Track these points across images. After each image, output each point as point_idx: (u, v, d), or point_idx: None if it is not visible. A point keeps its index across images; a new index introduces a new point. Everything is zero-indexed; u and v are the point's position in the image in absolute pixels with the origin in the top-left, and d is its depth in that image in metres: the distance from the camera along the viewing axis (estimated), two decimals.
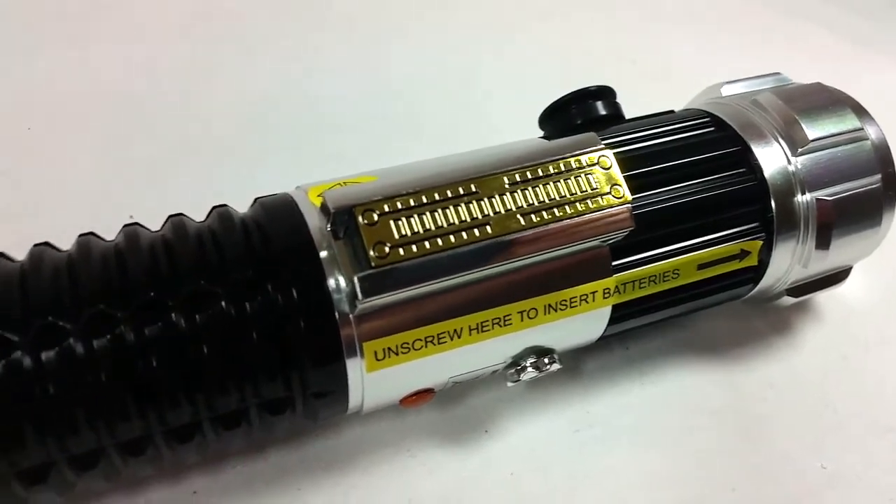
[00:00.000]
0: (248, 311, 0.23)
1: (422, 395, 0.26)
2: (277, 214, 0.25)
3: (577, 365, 0.31)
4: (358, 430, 0.29)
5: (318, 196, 0.25)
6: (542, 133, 0.30)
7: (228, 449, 0.25)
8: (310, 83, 0.45)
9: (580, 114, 0.29)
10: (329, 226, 0.23)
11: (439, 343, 0.25)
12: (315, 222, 0.24)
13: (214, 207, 0.26)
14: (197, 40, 0.48)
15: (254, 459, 0.28)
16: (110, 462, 0.23)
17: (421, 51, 0.49)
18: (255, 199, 0.26)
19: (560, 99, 0.30)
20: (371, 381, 0.24)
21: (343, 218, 0.23)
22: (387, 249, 0.22)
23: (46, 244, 0.24)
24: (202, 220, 0.25)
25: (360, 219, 0.22)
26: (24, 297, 0.22)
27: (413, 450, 0.28)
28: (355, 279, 0.22)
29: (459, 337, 0.25)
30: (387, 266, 0.22)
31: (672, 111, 0.32)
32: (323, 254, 0.24)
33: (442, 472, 0.28)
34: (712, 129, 0.30)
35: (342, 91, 0.45)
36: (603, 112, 0.30)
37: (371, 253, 0.22)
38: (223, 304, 0.23)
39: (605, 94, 0.30)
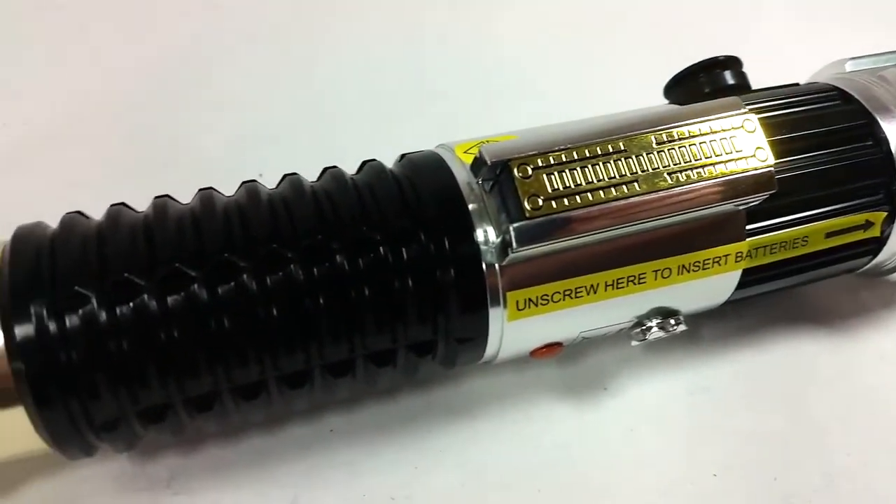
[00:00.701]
0: (404, 257, 0.24)
1: (551, 349, 0.27)
2: (426, 169, 0.26)
3: (693, 331, 0.32)
4: (480, 382, 0.30)
5: (465, 153, 0.26)
6: (665, 101, 0.31)
7: (372, 388, 0.27)
8: (418, 51, 0.46)
9: (708, 83, 0.30)
10: (480, 179, 0.25)
11: (576, 297, 0.26)
12: (462, 177, 0.25)
13: (365, 162, 0.27)
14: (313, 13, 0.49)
15: (385, 403, 0.29)
16: (269, 394, 0.25)
17: (528, 19, 0.50)
18: (402, 156, 0.27)
19: (688, 68, 0.30)
20: (510, 330, 0.26)
21: (496, 171, 0.24)
22: (540, 202, 0.23)
23: (212, 189, 0.26)
24: (353, 173, 0.27)
25: (515, 171, 0.23)
26: (198, 239, 0.24)
27: (534, 401, 0.30)
28: (511, 228, 0.23)
29: (595, 292, 0.26)
30: (540, 218, 0.23)
31: (797, 84, 0.32)
32: (471, 206, 0.25)
33: (562, 424, 0.29)
34: (839, 101, 0.30)
35: (449, 60, 0.45)
36: (731, 82, 0.30)
37: (526, 205, 0.23)
38: (381, 250, 0.24)
39: (733, 63, 0.31)
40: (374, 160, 0.27)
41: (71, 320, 0.22)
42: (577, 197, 0.23)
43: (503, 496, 0.27)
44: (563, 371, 0.30)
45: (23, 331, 0.22)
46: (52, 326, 0.22)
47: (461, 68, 0.45)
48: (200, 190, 0.26)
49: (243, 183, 0.26)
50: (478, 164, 0.24)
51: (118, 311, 0.22)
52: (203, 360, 0.23)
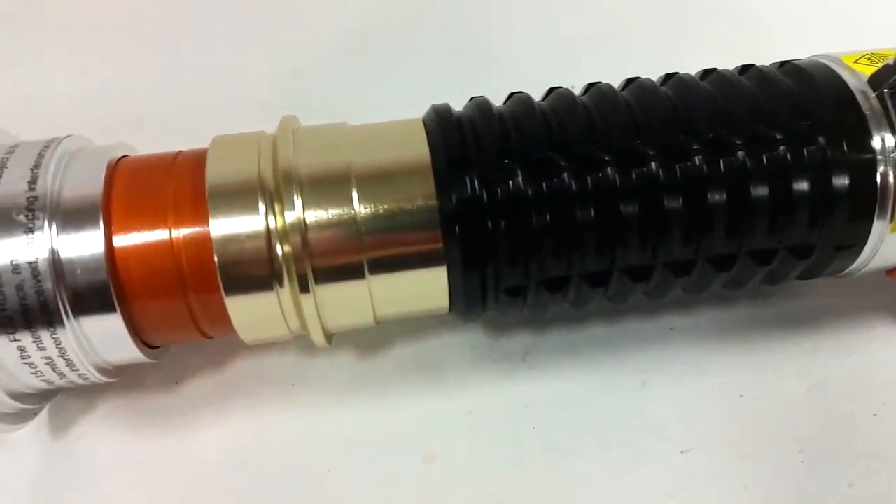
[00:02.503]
0: (803, 158, 0.25)
1: None
2: (816, 75, 0.26)
3: None
4: (819, 300, 0.30)
5: (855, 62, 0.26)
6: None
7: (738, 289, 0.28)
8: None
9: None
10: (886, 87, 0.25)
11: None
12: (854, 84, 0.26)
13: (748, 66, 0.28)
14: None
15: (722, 309, 0.30)
16: (650, 280, 0.26)
17: None
18: (782, 63, 0.28)
19: None
20: (889, 241, 0.26)
21: None
22: None
23: (608, 84, 0.27)
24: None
25: None
26: (606, 127, 0.25)
27: (872, 325, 0.30)
28: None
29: None
30: None
31: None
32: (867, 114, 0.25)
33: None
34: None
35: None
36: None
37: None
38: (781, 149, 0.25)
39: None
40: (753, 64, 0.27)
41: (501, 190, 0.24)
42: None
43: (848, 407, 0.28)
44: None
45: (459, 196, 0.24)
46: (484, 195, 0.24)
47: None
48: (591, 84, 0.27)
49: (630, 79, 0.27)
50: (888, 71, 0.25)
51: (543, 185, 0.24)
52: (607, 238, 0.25)
